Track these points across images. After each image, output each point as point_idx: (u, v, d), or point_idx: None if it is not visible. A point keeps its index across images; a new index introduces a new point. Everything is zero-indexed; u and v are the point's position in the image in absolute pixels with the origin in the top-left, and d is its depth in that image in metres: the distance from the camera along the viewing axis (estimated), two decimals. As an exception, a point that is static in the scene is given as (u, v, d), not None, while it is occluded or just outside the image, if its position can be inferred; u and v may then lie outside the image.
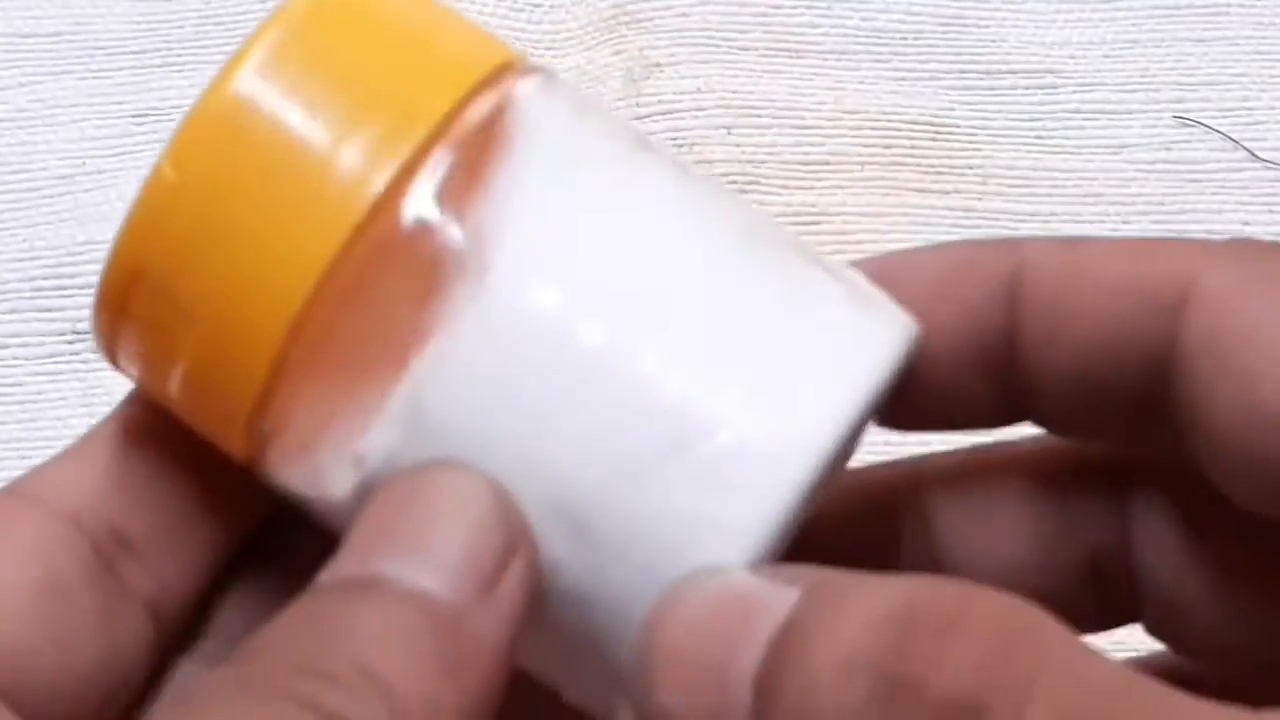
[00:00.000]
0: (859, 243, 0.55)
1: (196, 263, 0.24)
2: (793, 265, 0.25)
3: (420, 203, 0.24)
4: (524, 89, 0.25)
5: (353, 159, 0.24)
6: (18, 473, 0.27)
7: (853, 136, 0.58)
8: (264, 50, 0.24)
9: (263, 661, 0.22)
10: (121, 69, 0.60)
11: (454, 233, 0.24)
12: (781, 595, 0.22)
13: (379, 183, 0.24)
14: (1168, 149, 0.58)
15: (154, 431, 0.26)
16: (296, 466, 0.25)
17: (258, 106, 0.24)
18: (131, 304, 0.25)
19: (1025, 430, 0.28)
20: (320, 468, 0.25)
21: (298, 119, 0.24)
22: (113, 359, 0.26)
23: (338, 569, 0.23)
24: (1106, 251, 0.26)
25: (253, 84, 0.24)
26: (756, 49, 0.60)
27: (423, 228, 0.24)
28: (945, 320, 0.26)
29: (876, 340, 0.25)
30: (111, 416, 0.27)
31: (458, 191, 0.24)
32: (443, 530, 0.23)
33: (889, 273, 0.27)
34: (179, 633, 0.27)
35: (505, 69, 0.25)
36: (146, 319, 0.25)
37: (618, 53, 0.60)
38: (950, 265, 0.27)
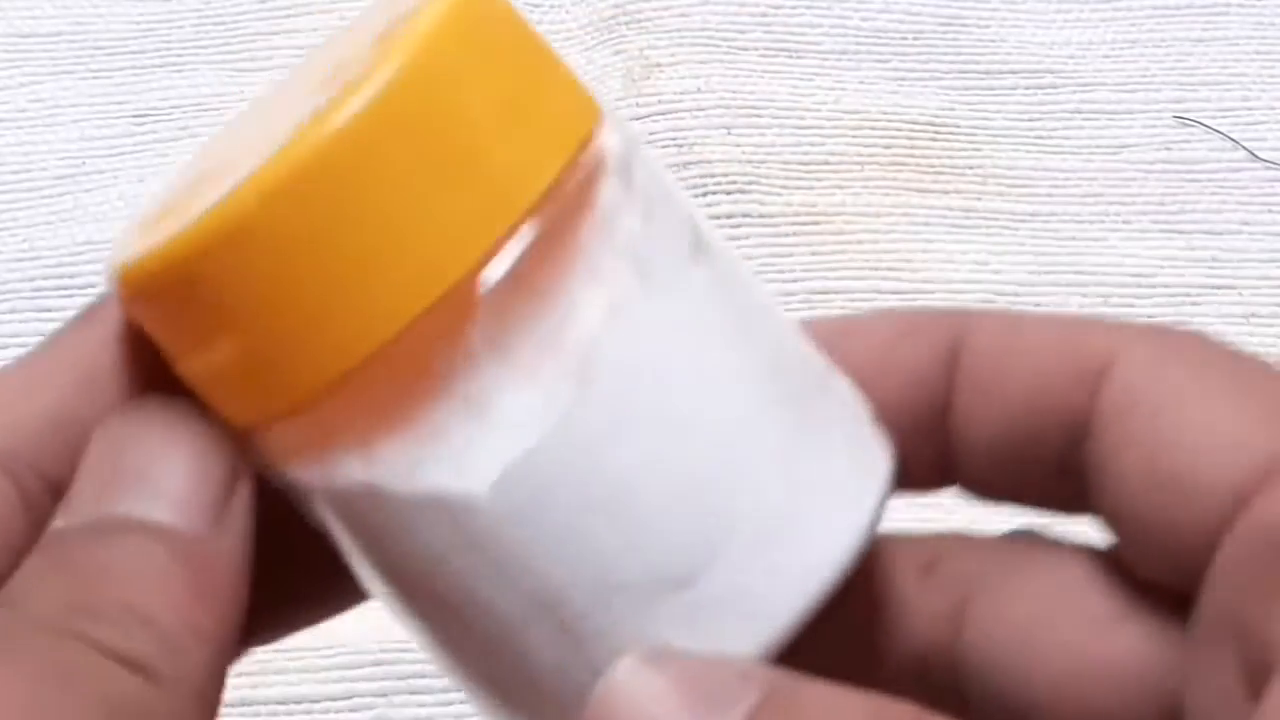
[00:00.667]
0: (859, 242, 0.55)
1: (257, 288, 0.23)
2: (808, 400, 0.26)
3: (496, 276, 0.24)
4: (607, 187, 0.25)
5: (445, 227, 0.23)
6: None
7: (852, 136, 0.58)
8: (367, 95, 0.23)
9: (32, 604, 0.23)
10: (121, 69, 0.60)
11: (518, 315, 0.24)
12: (741, 691, 0.23)
13: (468, 259, 0.23)
14: (1167, 149, 0.58)
15: (109, 367, 0.26)
16: (301, 458, 0.25)
17: (356, 152, 0.23)
18: (170, 296, 0.24)
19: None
20: (329, 468, 0.25)
21: (395, 173, 0.23)
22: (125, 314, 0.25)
23: (75, 512, 0.25)
24: (1041, 324, 0.27)
25: (353, 127, 0.23)
26: (756, 49, 0.60)
27: (492, 302, 0.24)
28: (889, 387, 0.27)
29: (869, 491, 0.26)
30: (66, 337, 0.27)
31: (529, 272, 0.24)
32: (168, 467, 0.25)
33: (839, 337, 0.28)
34: None
35: (590, 137, 0.25)
36: (186, 315, 0.24)
37: (618, 53, 0.60)
38: (896, 332, 0.28)
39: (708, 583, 0.24)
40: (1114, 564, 0.26)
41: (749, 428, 0.25)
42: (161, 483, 0.25)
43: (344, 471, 0.24)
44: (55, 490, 0.26)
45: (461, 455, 0.24)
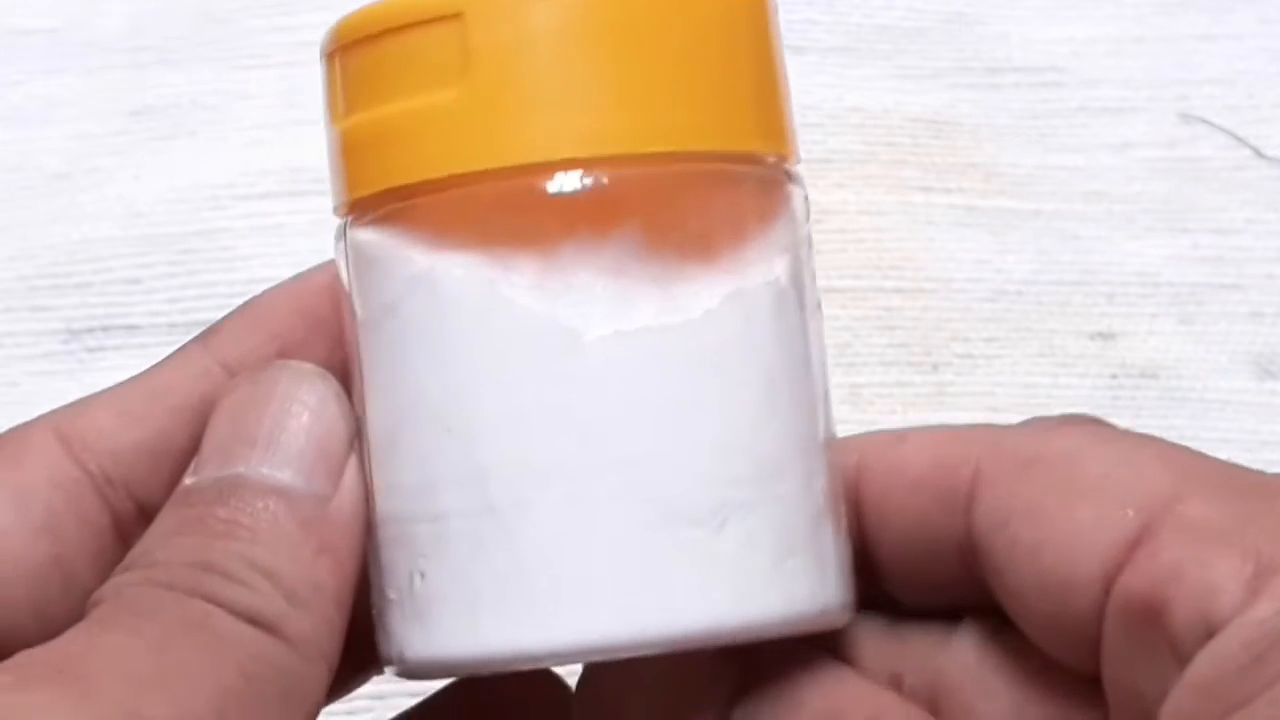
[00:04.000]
0: (860, 241, 0.55)
1: (515, 52, 0.25)
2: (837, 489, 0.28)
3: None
4: (795, 200, 0.28)
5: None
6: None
7: (854, 134, 0.58)
8: None
9: (160, 564, 0.25)
10: (118, 66, 0.59)
11: (687, 249, 0.26)
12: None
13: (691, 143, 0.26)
14: (1172, 147, 0.57)
15: (206, 399, 0.28)
16: (384, 241, 0.26)
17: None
18: (426, 33, 0.26)
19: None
20: (403, 259, 0.26)
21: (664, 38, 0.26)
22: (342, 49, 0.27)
23: (201, 473, 0.26)
24: (916, 446, 0.29)
25: None
26: (757, 46, 0.60)
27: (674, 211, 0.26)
28: None
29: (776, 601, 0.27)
30: (165, 367, 0.28)
31: (712, 217, 0.26)
32: (290, 427, 0.26)
33: None
34: None
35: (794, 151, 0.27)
36: (428, 54, 0.26)
37: (618, 50, 0.59)
38: None
39: (727, 537, 0.25)
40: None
41: (814, 449, 0.27)
42: (284, 443, 0.26)
43: (470, 265, 0.25)
44: (150, 515, 0.27)
45: (585, 300, 0.25)
